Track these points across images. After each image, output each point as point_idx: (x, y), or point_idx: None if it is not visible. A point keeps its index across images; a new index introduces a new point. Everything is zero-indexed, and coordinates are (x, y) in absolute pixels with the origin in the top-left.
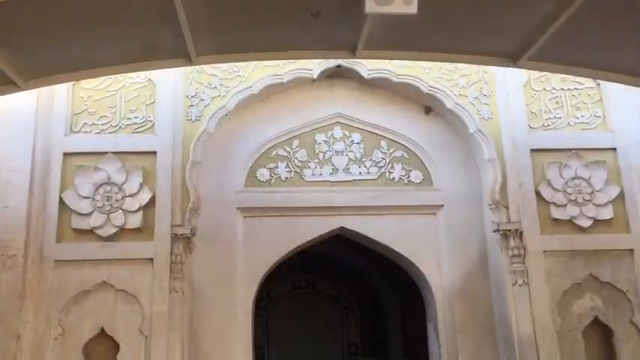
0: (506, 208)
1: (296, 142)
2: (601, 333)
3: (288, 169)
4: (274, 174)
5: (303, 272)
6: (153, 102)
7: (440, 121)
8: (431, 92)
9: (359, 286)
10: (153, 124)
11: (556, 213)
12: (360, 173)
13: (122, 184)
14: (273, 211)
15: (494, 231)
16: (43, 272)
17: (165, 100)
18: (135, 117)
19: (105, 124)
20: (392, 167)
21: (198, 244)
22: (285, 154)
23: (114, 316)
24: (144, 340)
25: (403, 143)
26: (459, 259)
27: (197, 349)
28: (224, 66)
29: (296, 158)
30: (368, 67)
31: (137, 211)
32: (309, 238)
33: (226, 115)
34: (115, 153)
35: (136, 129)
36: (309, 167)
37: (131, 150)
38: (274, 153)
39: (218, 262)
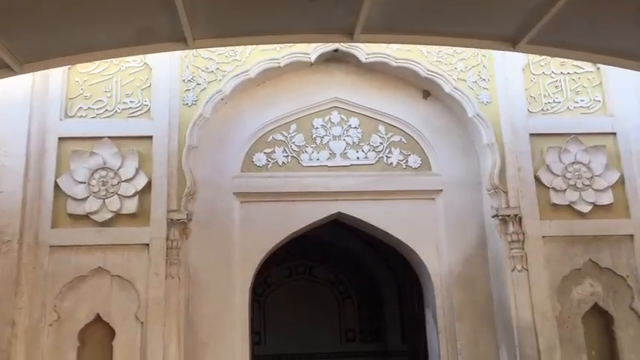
0: (505, 193)
1: (293, 127)
2: (601, 319)
3: (285, 154)
4: (271, 159)
5: (301, 258)
6: (149, 86)
7: (438, 105)
8: (429, 76)
9: (356, 272)
10: (149, 109)
11: (555, 198)
12: (358, 158)
13: (118, 169)
14: (270, 196)
15: (493, 216)
16: (39, 258)
17: (162, 84)
18: (130, 101)
19: (100, 108)
20: (390, 152)
21: (194, 229)
22: (282, 139)
23: (109, 302)
24: (140, 327)
25: (401, 128)
26: (457, 244)
27: (194, 335)
28: (221, 50)
29: (293, 143)
30: (366, 51)
31: (133, 196)
32: (307, 224)
33: (223, 99)
34: (110, 138)
35: (132, 113)
36: (306, 152)
37: (127, 135)
38: (271, 138)
39: (214, 247)
